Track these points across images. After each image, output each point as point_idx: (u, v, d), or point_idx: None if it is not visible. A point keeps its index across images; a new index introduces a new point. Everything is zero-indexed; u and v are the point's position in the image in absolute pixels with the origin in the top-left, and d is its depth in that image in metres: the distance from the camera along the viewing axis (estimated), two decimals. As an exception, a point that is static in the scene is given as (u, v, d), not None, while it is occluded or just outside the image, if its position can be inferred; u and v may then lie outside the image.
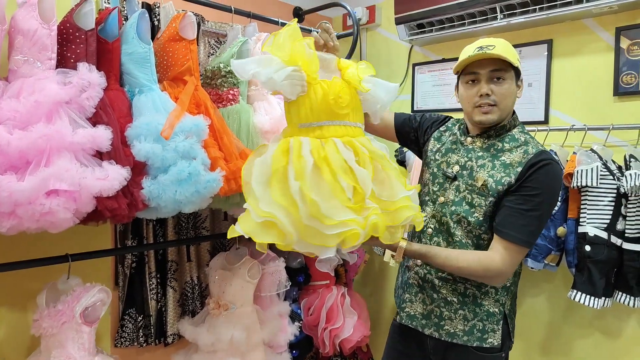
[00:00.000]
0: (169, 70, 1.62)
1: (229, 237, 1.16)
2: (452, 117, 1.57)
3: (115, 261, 1.90)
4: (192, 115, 1.49)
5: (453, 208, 1.37)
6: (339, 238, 1.11)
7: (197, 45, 1.84)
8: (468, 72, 1.36)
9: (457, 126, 1.49)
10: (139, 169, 1.37)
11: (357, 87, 1.28)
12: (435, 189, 1.44)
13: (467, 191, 1.36)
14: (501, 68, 1.31)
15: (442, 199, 1.40)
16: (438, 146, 1.49)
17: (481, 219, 1.33)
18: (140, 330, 1.90)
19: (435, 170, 1.46)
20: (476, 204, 1.33)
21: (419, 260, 1.41)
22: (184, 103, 1.51)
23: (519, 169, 1.29)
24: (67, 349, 1.40)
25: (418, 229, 1.35)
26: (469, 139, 1.42)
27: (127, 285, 1.89)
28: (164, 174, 1.37)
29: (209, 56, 2.04)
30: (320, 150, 1.17)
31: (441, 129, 1.53)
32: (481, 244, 1.35)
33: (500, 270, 1.27)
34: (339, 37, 1.48)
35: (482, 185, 1.33)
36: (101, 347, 1.81)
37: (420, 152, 1.60)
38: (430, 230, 1.41)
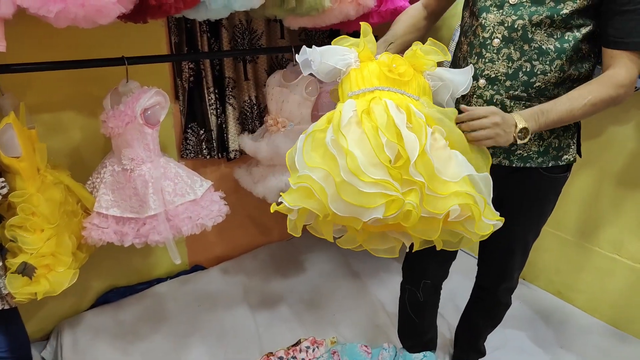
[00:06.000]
0: None
1: (272, 210, 1.07)
2: None
3: (174, 74, 1.89)
4: None
5: (533, 9, 1.13)
6: (379, 199, 0.98)
7: None
8: None
9: None
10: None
11: (417, 62, 1.16)
12: None
13: None
14: None
15: None
16: None
17: (569, 15, 1.10)
18: (203, 143, 1.97)
19: None
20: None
21: (482, 80, 1.21)
22: None
23: None
24: (135, 149, 1.46)
25: (477, 232, 1.09)
26: None
27: (187, 99, 1.91)
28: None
29: None
30: (365, 105, 1.06)
31: None
32: (565, 48, 1.13)
33: (630, 86, 1.10)
34: None
35: None
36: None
37: None
38: (497, 40, 1.17)
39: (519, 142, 1.07)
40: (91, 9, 1.11)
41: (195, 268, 2.24)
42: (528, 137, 1.07)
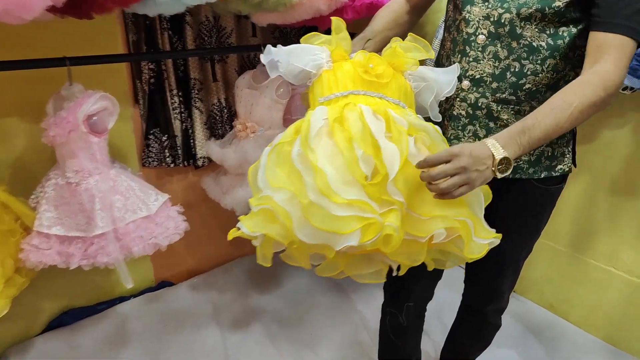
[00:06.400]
0: None
1: (229, 238, 0.91)
2: None
3: (133, 76, 1.72)
4: None
5: (522, 1, 0.98)
6: (354, 223, 0.83)
7: None
8: None
9: None
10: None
11: (396, 61, 1.02)
12: None
13: None
14: None
15: None
16: None
17: (563, 8, 0.96)
18: (166, 151, 1.81)
19: None
20: None
21: (466, 81, 1.07)
22: None
23: None
24: (80, 160, 1.31)
25: (467, 255, 0.94)
26: None
27: (148, 103, 1.74)
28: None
29: None
30: (337, 113, 0.92)
31: None
32: (559, 46, 0.99)
33: (619, 83, 0.92)
34: None
35: None
36: (130, 167, 1.76)
37: None
38: (482, 37, 1.03)
39: (499, 176, 0.87)
40: (11, 2, 0.95)
41: (162, 284, 2.08)
42: (511, 168, 0.87)
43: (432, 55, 1.05)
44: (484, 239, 0.93)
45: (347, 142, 0.88)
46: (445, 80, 1.04)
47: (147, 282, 2.05)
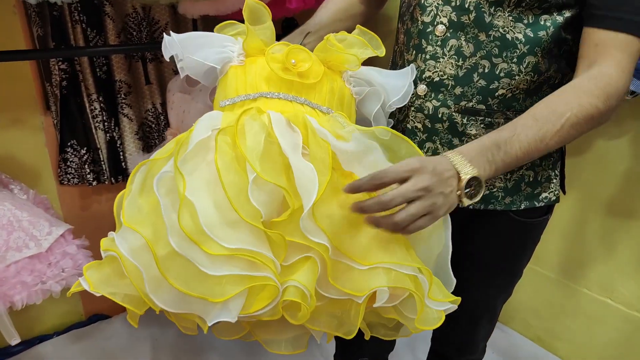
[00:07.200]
0: None
1: (68, 295, 0.70)
2: None
3: (41, 78, 1.45)
4: None
5: None
6: (233, 286, 0.60)
7: None
8: None
9: None
10: None
11: (332, 58, 0.78)
12: None
13: None
14: None
15: None
16: None
17: None
18: (86, 166, 1.53)
19: None
20: None
21: (422, 85, 0.81)
22: None
23: None
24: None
25: (419, 326, 0.69)
26: None
27: (61, 110, 1.47)
28: None
29: None
30: (228, 122, 0.68)
31: None
32: (541, 39, 0.74)
33: (622, 92, 0.69)
34: None
35: None
36: (45, 185, 1.50)
37: None
38: (441, 27, 0.77)
39: (465, 203, 0.63)
40: None
41: (94, 318, 1.80)
42: (482, 192, 0.64)
43: (383, 52, 0.79)
44: (438, 304, 0.68)
45: (234, 164, 0.63)
46: (396, 85, 0.79)
47: (74, 316, 1.77)
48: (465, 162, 0.63)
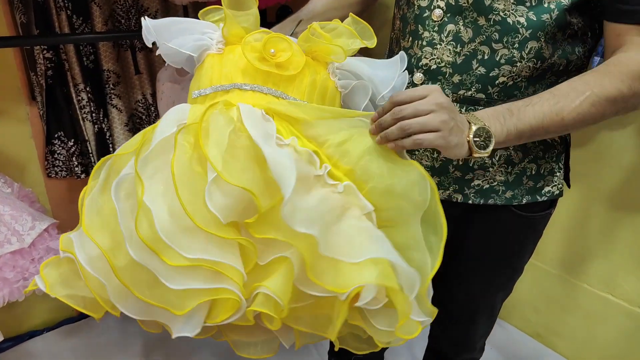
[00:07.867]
0: None
1: (25, 292, 0.73)
2: None
3: (26, 66, 1.40)
4: None
5: None
6: (189, 301, 0.57)
7: None
8: None
9: None
10: None
11: (316, 48, 0.72)
12: None
13: None
14: None
15: None
16: None
17: None
18: (74, 158, 1.49)
19: None
20: None
21: (419, 73, 0.77)
22: None
23: None
24: None
25: (401, 335, 0.65)
26: None
27: (46, 101, 1.42)
28: None
29: None
30: (195, 118, 0.64)
31: None
32: (544, 23, 0.69)
33: None
34: None
35: None
36: (31, 178, 1.45)
37: None
38: (438, 12, 0.73)
39: (476, 154, 0.62)
40: None
41: (85, 314, 1.76)
42: (491, 147, 0.62)
43: (374, 42, 0.74)
44: (418, 311, 0.64)
45: (192, 164, 0.59)
46: (385, 77, 0.74)
47: (65, 312, 1.73)
48: (476, 118, 0.64)
